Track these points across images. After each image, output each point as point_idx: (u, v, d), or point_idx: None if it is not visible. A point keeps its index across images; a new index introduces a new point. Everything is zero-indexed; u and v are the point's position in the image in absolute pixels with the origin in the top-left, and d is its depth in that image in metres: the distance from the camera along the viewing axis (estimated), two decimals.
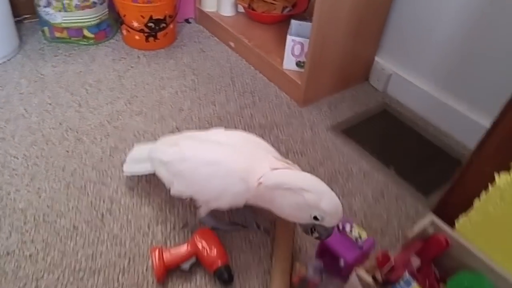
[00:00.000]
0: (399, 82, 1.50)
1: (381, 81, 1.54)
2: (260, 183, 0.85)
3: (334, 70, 1.45)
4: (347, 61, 1.46)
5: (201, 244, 0.94)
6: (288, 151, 1.28)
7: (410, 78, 1.47)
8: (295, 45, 1.42)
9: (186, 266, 0.93)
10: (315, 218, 0.80)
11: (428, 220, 0.83)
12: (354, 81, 1.57)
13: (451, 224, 0.82)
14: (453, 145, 1.37)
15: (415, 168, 1.27)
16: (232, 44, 1.71)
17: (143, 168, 1.09)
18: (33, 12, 1.66)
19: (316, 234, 0.84)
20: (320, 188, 0.81)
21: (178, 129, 1.32)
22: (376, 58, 1.56)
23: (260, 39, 1.64)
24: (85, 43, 1.66)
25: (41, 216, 1.04)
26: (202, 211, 0.99)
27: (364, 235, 0.90)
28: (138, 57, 1.64)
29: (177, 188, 0.98)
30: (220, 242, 0.96)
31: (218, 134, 0.99)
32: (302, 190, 0.80)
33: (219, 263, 0.91)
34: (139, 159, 1.10)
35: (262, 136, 1.32)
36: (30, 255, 0.96)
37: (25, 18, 1.73)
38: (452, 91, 1.36)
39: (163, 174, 1.00)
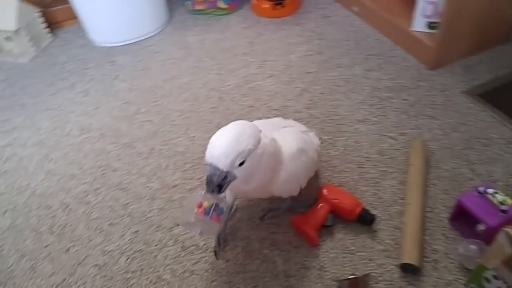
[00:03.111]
0: None
1: None
2: None
3: (471, 30, 1.26)
4: (487, 20, 1.25)
5: (334, 198, 0.93)
6: (418, 115, 1.18)
7: None
8: (428, 5, 1.27)
9: (329, 222, 0.92)
10: None
11: None
12: (492, 42, 1.35)
13: None
14: None
15: None
16: (355, 8, 1.60)
17: None
18: None
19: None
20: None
21: (305, 90, 1.31)
22: None
23: (385, 1, 1.50)
24: (219, 13, 1.72)
25: (196, 159, 1.13)
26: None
27: (509, 201, 0.80)
28: (267, 24, 1.64)
29: None
30: (348, 191, 0.96)
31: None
32: None
33: (359, 208, 0.91)
34: None
35: (390, 99, 1.24)
36: (190, 189, 1.06)
37: None
38: None
39: None
